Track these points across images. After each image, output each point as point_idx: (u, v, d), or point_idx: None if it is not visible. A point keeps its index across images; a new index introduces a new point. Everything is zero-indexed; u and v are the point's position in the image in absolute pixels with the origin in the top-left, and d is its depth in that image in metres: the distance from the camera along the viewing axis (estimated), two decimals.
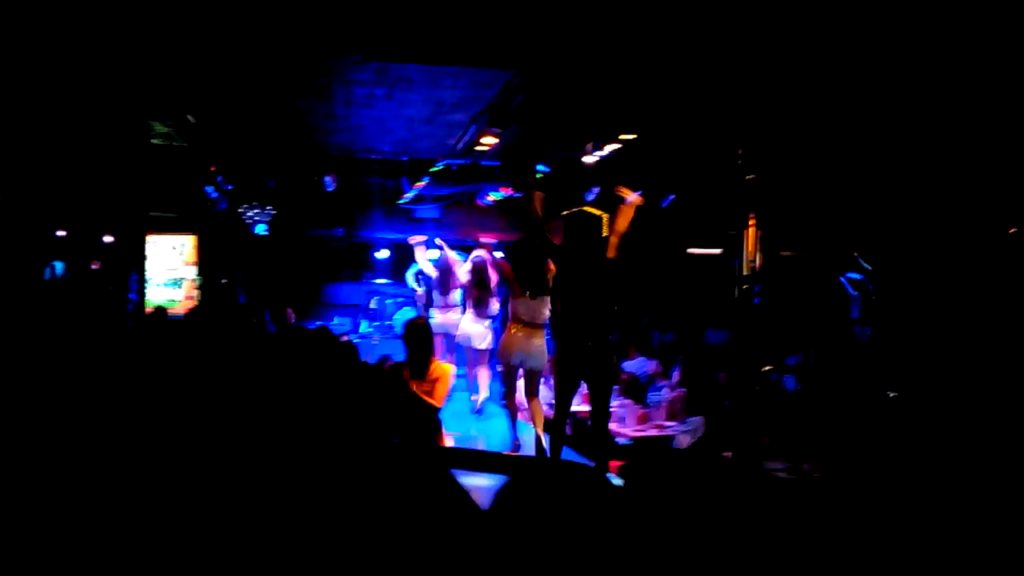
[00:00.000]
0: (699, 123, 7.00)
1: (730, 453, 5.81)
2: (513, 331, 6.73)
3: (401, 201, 12.15)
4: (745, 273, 4.97)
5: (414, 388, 5.17)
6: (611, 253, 5.41)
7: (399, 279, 13.74)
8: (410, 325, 5.43)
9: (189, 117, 6.97)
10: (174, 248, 12.41)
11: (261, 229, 11.32)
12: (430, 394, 5.17)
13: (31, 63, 5.81)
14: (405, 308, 13.09)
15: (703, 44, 5.21)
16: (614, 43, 5.40)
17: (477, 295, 8.39)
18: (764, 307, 5.07)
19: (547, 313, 6.70)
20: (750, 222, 5.02)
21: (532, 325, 6.70)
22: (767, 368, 5.80)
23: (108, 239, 10.71)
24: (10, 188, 9.23)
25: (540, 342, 6.73)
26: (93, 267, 11.29)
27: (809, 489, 5.54)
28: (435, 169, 9.66)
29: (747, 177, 4.98)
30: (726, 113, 6.06)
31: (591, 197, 11.15)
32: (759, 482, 5.21)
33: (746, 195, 5.02)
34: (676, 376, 8.59)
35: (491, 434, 7.46)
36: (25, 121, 7.41)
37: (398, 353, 6.00)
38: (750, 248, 5.03)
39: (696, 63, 5.58)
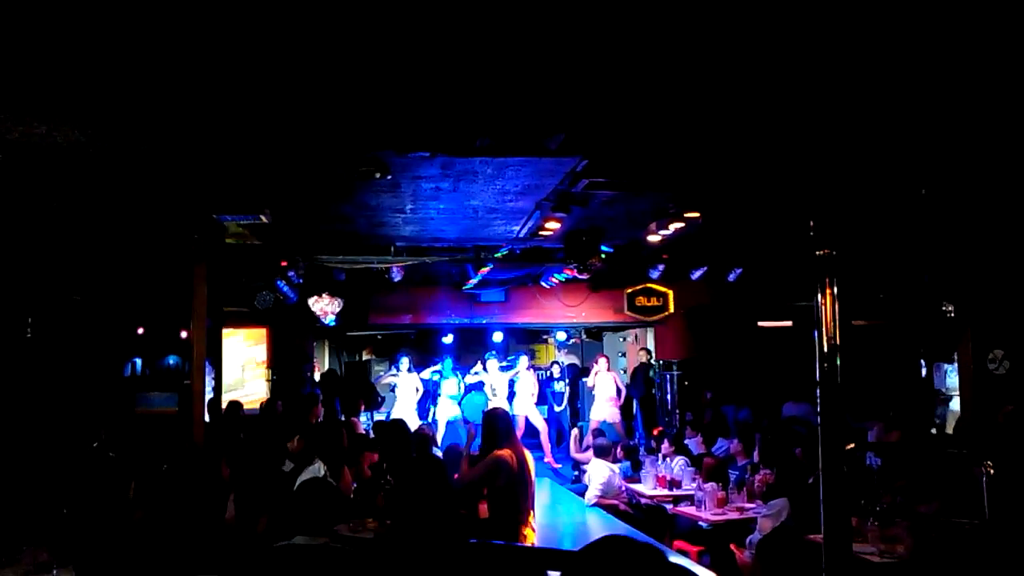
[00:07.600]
0: (766, 197, 6.94)
1: (818, 536, 5.54)
2: None
3: (467, 287, 12.28)
4: (825, 346, 4.79)
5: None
6: None
7: (465, 364, 13.77)
8: (487, 413, 5.77)
9: (263, 216, 7.21)
10: (246, 342, 12.71)
11: (331, 321, 11.55)
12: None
13: (111, 166, 6.08)
14: (473, 393, 13.08)
15: (771, 120, 5.21)
16: (678, 123, 5.43)
17: None
18: (847, 381, 4.86)
19: None
20: (827, 293, 4.86)
21: None
22: (850, 446, 5.50)
23: (183, 334, 11.05)
24: (91, 289, 9.62)
25: None
26: (170, 363, 11.64)
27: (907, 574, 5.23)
28: (499, 254, 9.76)
29: (818, 252, 4.86)
30: (796, 185, 6.01)
31: (655, 274, 11.14)
32: (855, 568, 4.94)
33: (820, 267, 4.88)
34: (756, 455, 8.30)
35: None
36: (104, 223, 7.75)
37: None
38: (827, 320, 4.85)
39: (763, 138, 5.58)
